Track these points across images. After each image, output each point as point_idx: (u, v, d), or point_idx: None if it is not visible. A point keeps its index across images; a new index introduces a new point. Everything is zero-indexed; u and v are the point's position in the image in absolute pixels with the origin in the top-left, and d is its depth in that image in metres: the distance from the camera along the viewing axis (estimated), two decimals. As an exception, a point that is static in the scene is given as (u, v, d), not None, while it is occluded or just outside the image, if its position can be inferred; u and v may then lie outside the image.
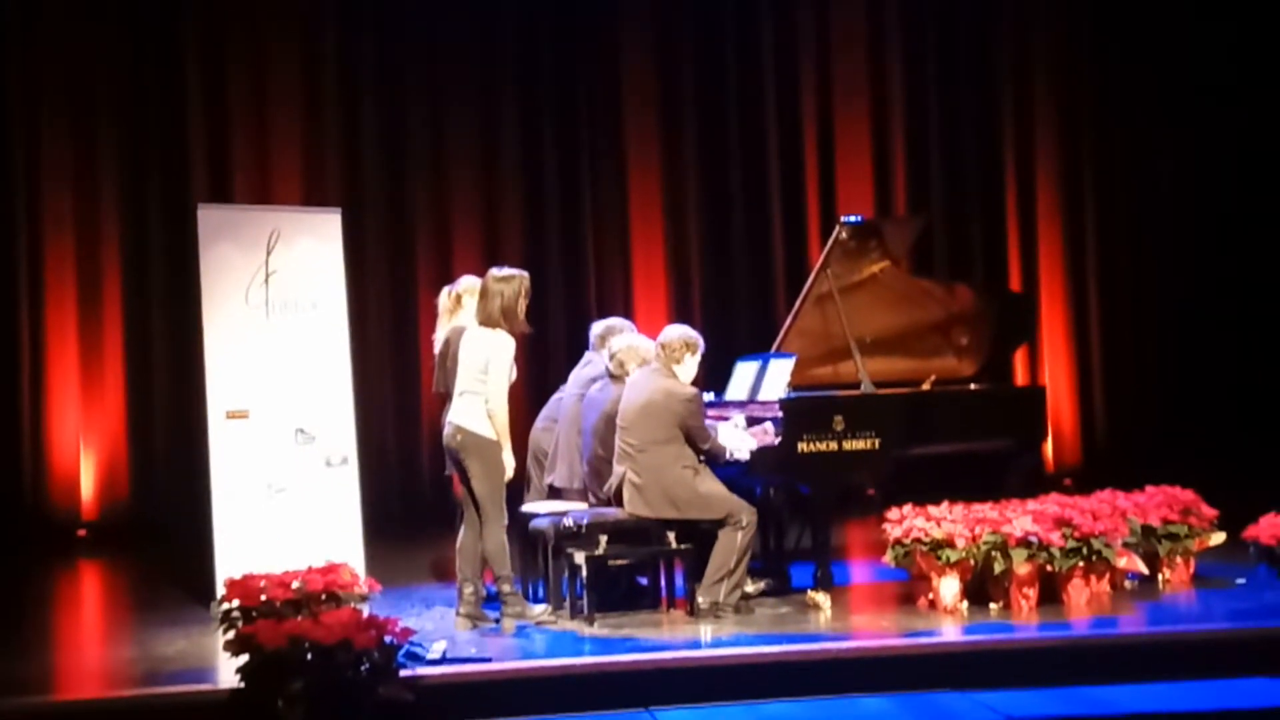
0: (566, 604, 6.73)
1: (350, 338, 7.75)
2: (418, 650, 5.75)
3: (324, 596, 5.87)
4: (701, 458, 6.70)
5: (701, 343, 6.85)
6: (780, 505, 7.51)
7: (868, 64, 12.09)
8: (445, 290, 7.41)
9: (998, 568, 6.42)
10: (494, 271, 6.81)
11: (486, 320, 6.69)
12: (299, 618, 5.43)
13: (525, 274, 6.81)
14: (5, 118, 10.92)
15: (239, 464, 7.34)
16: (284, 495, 7.38)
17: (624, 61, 11.82)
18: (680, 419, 6.60)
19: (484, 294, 6.75)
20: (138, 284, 11.07)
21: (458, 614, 6.68)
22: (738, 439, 6.92)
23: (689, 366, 6.79)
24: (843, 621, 6.53)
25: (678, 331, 6.85)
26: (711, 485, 6.65)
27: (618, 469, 6.71)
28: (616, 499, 6.71)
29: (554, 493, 7.23)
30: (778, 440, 6.84)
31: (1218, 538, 7.21)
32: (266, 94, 11.28)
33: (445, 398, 7.03)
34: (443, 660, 5.74)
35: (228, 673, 5.39)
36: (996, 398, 7.75)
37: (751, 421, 7.11)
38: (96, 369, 10.95)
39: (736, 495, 6.68)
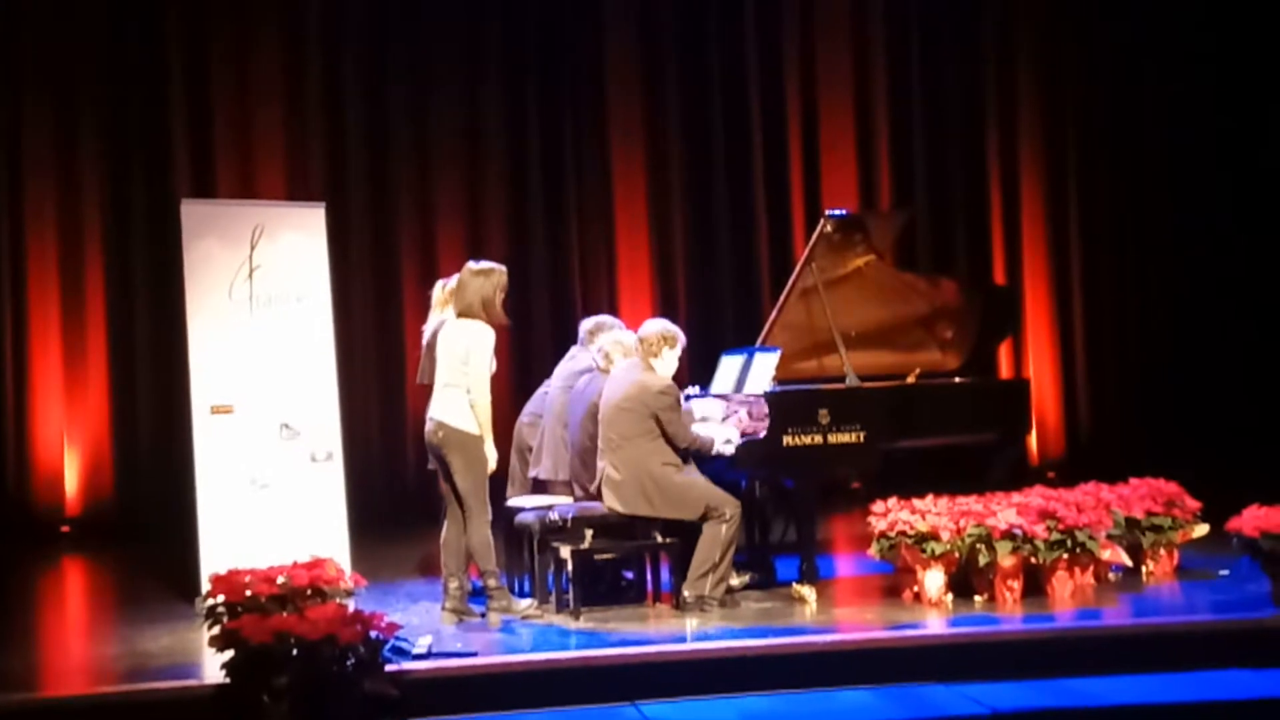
0: (552, 598, 6.72)
1: (335, 332, 7.73)
2: (403, 645, 5.75)
3: (309, 592, 5.84)
4: (684, 453, 6.68)
5: (681, 337, 6.84)
6: (765, 499, 7.51)
7: (851, 55, 12.10)
8: (440, 283, 7.40)
9: (982, 560, 6.44)
10: (471, 265, 6.79)
11: (465, 311, 6.67)
12: (284, 613, 5.42)
13: (503, 268, 6.78)
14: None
15: (223, 459, 7.32)
16: (269, 490, 7.37)
17: (607, 54, 11.79)
18: (654, 412, 6.58)
19: (460, 286, 6.73)
20: (121, 279, 11.01)
21: (443, 609, 6.67)
22: (720, 432, 6.89)
23: (668, 361, 6.78)
24: (827, 614, 6.55)
25: (656, 326, 6.84)
26: (692, 481, 6.63)
27: (600, 463, 6.71)
28: (599, 493, 6.71)
29: (538, 486, 7.23)
30: (759, 426, 6.82)
31: (1201, 530, 7.24)
32: (249, 87, 11.22)
33: (429, 389, 7.02)
34: (428, 655, 5.74)
35: (213, 668, 5.38)
36: (981, 391, 7.74)
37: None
38: (80, 364, 10.89)
39: (721, 489, 6.68)
